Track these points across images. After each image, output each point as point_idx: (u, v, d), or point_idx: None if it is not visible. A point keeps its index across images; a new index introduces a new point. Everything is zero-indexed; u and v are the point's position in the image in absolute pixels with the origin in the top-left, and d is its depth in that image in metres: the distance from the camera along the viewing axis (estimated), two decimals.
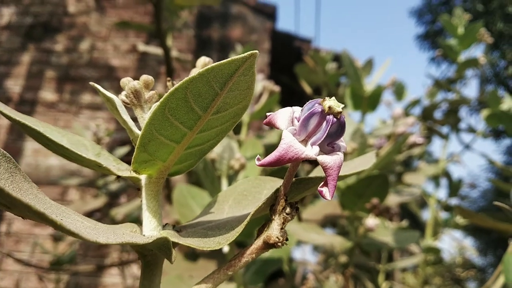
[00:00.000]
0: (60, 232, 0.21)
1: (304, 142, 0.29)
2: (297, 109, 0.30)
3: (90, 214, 2.73)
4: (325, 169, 0.28)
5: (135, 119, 0.35)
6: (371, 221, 0.92)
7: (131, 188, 2.47)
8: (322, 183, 0.29)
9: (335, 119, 0.27)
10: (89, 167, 0.34)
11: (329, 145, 0.29)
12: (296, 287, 1.88)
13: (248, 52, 0.27)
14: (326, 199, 0.28)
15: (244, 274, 1.00)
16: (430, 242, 1.94)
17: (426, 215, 2.29)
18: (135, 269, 2.12)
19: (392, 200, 1.27)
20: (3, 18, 3.31)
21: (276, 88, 1.27)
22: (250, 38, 3.49)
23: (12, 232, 2.78)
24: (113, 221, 1.83)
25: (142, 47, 2.34)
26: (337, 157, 0.28)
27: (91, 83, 0.34)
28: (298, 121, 0.29)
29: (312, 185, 0.34)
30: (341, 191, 1.00)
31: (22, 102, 3.08)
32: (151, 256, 0.32)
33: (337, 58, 2.52)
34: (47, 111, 3.06)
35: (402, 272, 2.57)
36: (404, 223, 1.90)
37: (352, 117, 1.40)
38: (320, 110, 0.27)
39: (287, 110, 0.29)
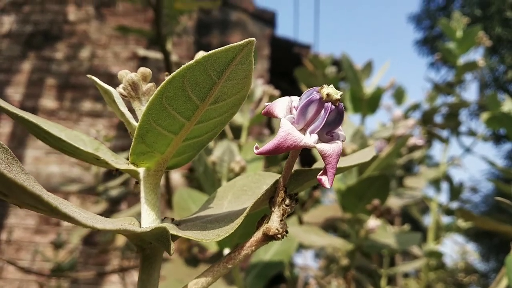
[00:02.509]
0: (54, 215, 0.21)
1: (303, 131, 0.28)
2: (295, 99, 0.30)
3: None
4: (324, 157, 0.28)
5: (133, 112, 0.34)
6: (372, 222, 0.91)
7: (132, 195, 2.47)
8: (321, 171, 0.28)
9: (333, 107, 0.27)
10: (87, 160, 0.34)
11: (328, 134, 0.29)
12: None
13: (245, 40, 0.26)
14: (325, 187, 0.28)
15: (245, 277, 0.99)
16: (432, 246, 1.93)
17: (428, 221, 2.28)
18: (135, 277, 2.10)
19: (393, 202, 1.26)
20: (4, 26, 3.32)
21: (276, 93, 1.27)
22: None
23: (12, 240, 2.77)
24: None
25: (142, 51, 2.35)
26: (336, 145, 0.28)
27: (88, 75, 0.34)
28: (296, 110, 0.29)
29: (312, 176, 0.33)
30: (342, 193, 1.00)
31: (23, 110, 3.07)
32: (150, 250, 0.32)
33: (336, 63, 2.53)
34: (48, 118, 3.05)
35: (405, 278, 2.55)
36: (406, 227, 1.90)
37: (352, 120, 1.40)
38: (318, 97, 0.27)
39: (286, 99, 0.29)
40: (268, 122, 2.79)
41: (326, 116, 0.27)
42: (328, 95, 0.27)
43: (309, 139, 0.27)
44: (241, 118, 1.36)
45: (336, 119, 0.28)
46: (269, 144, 0.27)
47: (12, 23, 3.34)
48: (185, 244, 1.62)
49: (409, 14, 10.93)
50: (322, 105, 0.27)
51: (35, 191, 0.18)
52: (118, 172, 0.34)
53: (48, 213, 0.21)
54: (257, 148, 0.28)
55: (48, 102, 3.15)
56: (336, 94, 0.27)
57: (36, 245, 2.70)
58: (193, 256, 1.41)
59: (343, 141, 0.29)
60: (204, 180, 0.98)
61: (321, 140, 0.28)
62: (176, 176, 2.64)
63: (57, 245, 1.84)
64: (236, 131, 1.40)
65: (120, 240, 1.94)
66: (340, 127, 0.29)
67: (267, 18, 3.71)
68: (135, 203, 2.38)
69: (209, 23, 3.53)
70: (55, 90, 3.18)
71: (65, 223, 2.80)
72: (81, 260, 2.67)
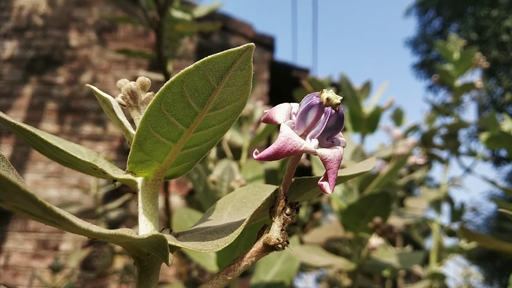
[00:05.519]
0: (49, 217, 0.20)
1: (303, 136, 0.28)
2: (295, 105, 0.29)
3: (89, 243, 2.69)
4: (324, 162, 0.27)
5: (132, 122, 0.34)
6: (374, 240, 0.90)
7: (131, 218, 2.45)
8: (322, 177, 0.28)
9: (333, 111, 0.27)
10: (84, 170, 0.34)
11: (328, 140, 0.28)
12: None
13: (245, 45, 0.26)
14: (326, 193, 0.27)
15: None
16: (434, 268, 1.90)
17: (429, 244, 2.25)
18: None
19: (395, 222, 1.25)
20: (6, 51, 3.36)
21: None
22: None
23: (9, 265, 2.73)
24: (113, 250, 1.80)
25: (142, 73, 2.37)
26: (337, 151, 0.28)
27: (87, 85, 0.33)
28: (296, 116, 0.28)
29: (312, 185, 0.33)
30: (343, 211, 0.99)
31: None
32: (147, 261, 0.31)
33: (334, 85, 2.55)
34: None
35: None
36: (408, 248, 1.87)
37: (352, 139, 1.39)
38: (318, 102, 0.27)
39: (285, 105, 0.29)
40: (268, 144, 2.79)
41: (327, 121, 0.27)
42: (328, 99, 0.27)
43: (309, 144, 0.27)
44: (241, 139, 1.36)
45: (337, 124, 0.28)
46: (269, 149, 0.27)
47: (14, 48, 3.38)
48: (185, 268, 1.59)
49: (405, 38, 11.10)
50: (322, 109, 0.27)
51: (28, 190, 0.17)
52: (115, 182, 0.34)
53: (42, 217, 0.20)
54: (256, 153, 0.27)
55: (49, 126, 3.15)
56: (336, 99, 0.27)
57: (33, 270, 2.66)
58: (193, 280, 1.39)
59: (344, 147, 0.29)
60: (204, 199, 0.98)
61: (321, 146, 0.28)
62: (176, 199, 2.63)
63: (55, 269, 1.82)
64: (237, 153, 1.40)
65: (119, 263, 1.91)
66: (340, 133, 0.29)
67: (266, 43, 3.75)
68: (134, 225, 2.35)
69: (209, 47, 3.57)
70: (56, 114, 3.20)
71: (63, 247, 2.76)
72: (78, 285, 2.62)
